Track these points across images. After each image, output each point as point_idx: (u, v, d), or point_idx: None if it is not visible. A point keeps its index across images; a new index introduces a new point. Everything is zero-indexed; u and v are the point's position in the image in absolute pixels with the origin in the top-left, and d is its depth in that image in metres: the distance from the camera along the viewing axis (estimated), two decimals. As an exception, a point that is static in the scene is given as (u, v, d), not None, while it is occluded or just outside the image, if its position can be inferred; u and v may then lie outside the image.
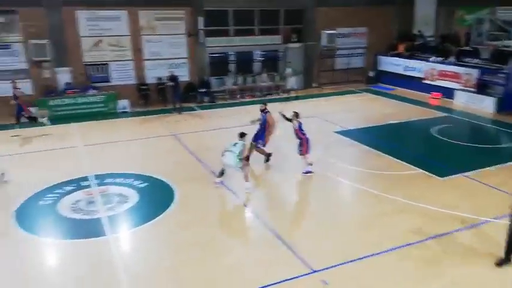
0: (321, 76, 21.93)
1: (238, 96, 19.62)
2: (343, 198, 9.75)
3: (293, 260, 6.96)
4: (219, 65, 20.06)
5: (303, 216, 9.11)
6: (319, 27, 21.00)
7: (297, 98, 19.18)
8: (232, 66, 20.43)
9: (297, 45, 21.18)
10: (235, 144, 9.50)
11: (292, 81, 19.82)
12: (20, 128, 14.29)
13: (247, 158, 10.02)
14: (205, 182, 10.15)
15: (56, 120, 15.30)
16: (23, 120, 14.41)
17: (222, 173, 9.83)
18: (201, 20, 18.42)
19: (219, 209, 9.32)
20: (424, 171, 10.54)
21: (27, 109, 14.46)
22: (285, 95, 19.58)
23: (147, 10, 17.70)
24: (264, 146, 11.07)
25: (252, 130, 10.90)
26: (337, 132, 14.14)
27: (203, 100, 18.73)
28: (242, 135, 9.72)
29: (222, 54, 20.12)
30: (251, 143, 10.73)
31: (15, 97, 14.14)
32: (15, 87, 14.25)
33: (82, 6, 16.51)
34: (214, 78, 19.66)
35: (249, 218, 8.86)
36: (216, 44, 19.44)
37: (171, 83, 16.91)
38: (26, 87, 16.20)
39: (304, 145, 10.38)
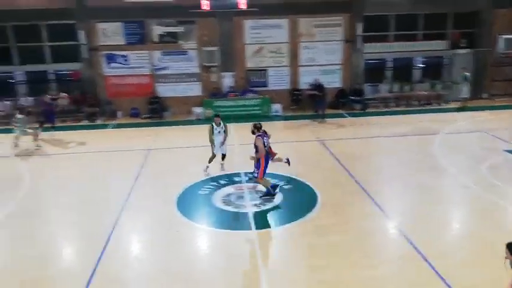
0: (494, 86, 19.44)
1: (392, 104, 18.73)
2: (505, 226, 8.48)
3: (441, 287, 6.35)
4: (374, 72, 19.45)
5: (453, 239, 8.22)
6: (496, 31, 18.65)
7: (465, 109, 17.38)
8: (388, 73, 19.61)
9: (465, 51, 19.21)
10: None
11: (465, 90, 18.02)
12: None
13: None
14: (349, 190, 9.98)
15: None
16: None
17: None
18: (359, 26, 18.16)
19: (362, 220, 9.03)
20: None
21: None
22: (456, 105, 17.91)
23: (307, 18, 18.23)
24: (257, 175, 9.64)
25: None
26: (507, 151, 12.36)
27: (354, 107, 18.41)
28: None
29: (378, 61, 19.47)
30: None
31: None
32: None
33: (250, 16, 17.85)
34: (368, 85, 19.15)
35: (393, 234, 8.39)
36: (373, 50, 18.90)
37: (315, 91, 16.99)
38: (196, 88, 18.39)
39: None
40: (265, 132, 9.70)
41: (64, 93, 17.55)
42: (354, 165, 11.40)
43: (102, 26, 17.47)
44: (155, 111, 17.77)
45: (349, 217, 8.85)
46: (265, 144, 9.51)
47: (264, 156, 9.38)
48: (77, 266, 7.58)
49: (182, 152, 13.38)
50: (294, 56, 18.62)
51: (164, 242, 8.16)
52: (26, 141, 14.02)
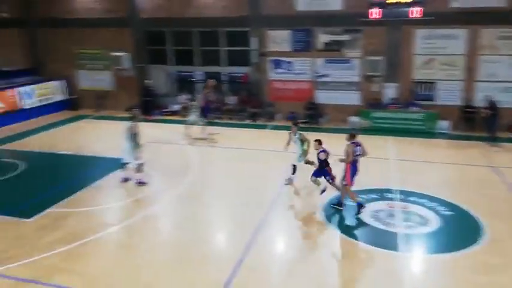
0: None
1: None
2: None
3: None
4: None
5: None
6: None
7: None
8: None
9: None
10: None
11: None
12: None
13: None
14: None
15: (374, 131, 16.35)
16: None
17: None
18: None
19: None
20: None
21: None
22: None
23: (491, 28, 16.22)
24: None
25: None
26: None
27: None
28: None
29: None
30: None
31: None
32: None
33: (422, 25, 16.75)
34: None
35: None
36: None
37: (486, 110, 14.91)
38: (354, 98, 18.07)
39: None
40: (358, 143, 9.52)
41: (212, 80, 18.34)
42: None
43: (272, 33, 18.50)
44: (312, 116, 18.06)
45: (521, 259, 7.55)
46: (356, 153, 9.35)
47: (351, 165, 9.30)
48: (227, 250, 8.26)
49: (333, 159, 13.28)
50: (469, 69, 16.76)
51: (306, 245, 8.26)
52: (196, 133, 15.72)
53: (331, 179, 9.97)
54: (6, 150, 14.40)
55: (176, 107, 19.92)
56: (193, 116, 15.64)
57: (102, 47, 20.55)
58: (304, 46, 18.27)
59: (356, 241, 8.37)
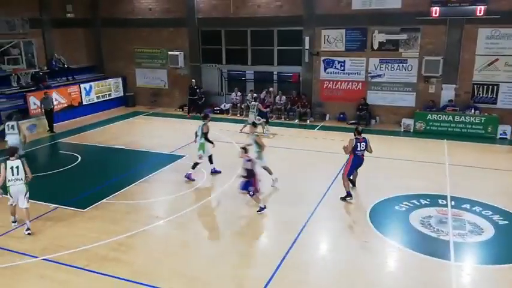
0: None
1: None
2: None
3: None
4: None
5: None
6: None
7: None
8: None
9: None
10: None
11: None
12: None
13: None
14: None
15: (429, 134, 15.68)
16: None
17: None
18: None
19: None
20: None
21: None
22: None
23: None
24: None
25: None
26: None
27: None
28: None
29: None
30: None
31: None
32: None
33: (485, 24, 15.80)
34: None
35: None
36: None
37: None
38: (409, 99, 17.41)
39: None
40: (364, 139, 10.08)
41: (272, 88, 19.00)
42: None
43: (325, 33, 18.25)
44: (363, 118, 17.62)
45: None
46: (358, 148, 9.93)
47: (352, 159, 9.98)
48: (271, 248, 8.28)
49: (384, 162, 12.89)
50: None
51: (350, 248, 8.10)
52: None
53: (253, 191, 9.23)
54: (67, 143, 15.33)
55: (227, 106, 20.24)
56: (251, 116, 16.04)
57: (159, 46, 21.30)
58: (358, 45, 17.88)
59: (403, 247, 8.06)
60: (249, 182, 9.24)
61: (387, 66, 17.59)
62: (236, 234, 8.71)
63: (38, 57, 18.45)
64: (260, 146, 10.80)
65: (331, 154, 13.54)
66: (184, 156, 13.41)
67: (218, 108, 20.29)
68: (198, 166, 11.49)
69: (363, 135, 10.23)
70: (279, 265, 7.38)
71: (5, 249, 8.00)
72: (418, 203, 9.81)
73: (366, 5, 17.25)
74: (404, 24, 16.98)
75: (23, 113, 16.63)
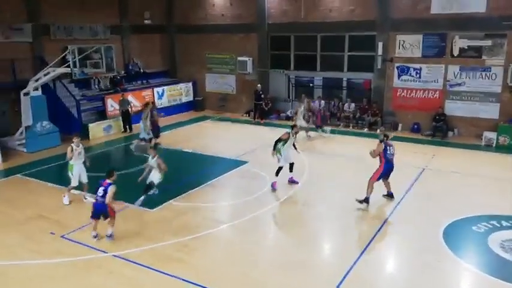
0: None
1: None
2: None
3: None
4: None
5: None
6: None
7: None
8: None
9: None
10: None
11: None
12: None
13: None
14: None
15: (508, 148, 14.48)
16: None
17: None
18: None
19: None
20: None
21: None
22: None
23: None
24: None
25: None
26: None
27: None
28: None
29: None
30: None
31: None
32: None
33: None
34: None
35: None
36: None
37: None
38: (492, 110, 16.06)
39: None
40: (390, 143, 9.97)
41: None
42: None
43: (401, 38, 17.43)
44: (439, 129, 16.55)
45: None
46: (387, 152, 9.80)
47: (384, 164, 9.80)
48: (336, 259, 8.03)
49: (461, 178, 12.00)
50: None
51: (420, 267, 7.59)
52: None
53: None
54: (139, 145, 16.03)
55: (293, 112, 20.08)
56: (300, 122, 15.81)
57: (229, 51, 21.68)
58: (436, 52, 16.86)
59: (479, 271, 7.39)
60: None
61: (468, 74, 16.38)
62: (298, 243, 8.51)
63: (117, 61, 19.56)
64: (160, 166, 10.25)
65: (402, 166, 12.84)
66: (247, 162, 13.42)
67: (284, 114, 20.18)
68: (280, 173, 11.29)
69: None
70: (342, 280, 7.08)
71: (79, 242, 8.47)
72: (498, 225, 8.97)
73: (446, 8, 16.24)
74: (488, 29, 15.73)
75: (102, 115, 17.75)
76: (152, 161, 10.27)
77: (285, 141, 11.17)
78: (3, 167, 13.49)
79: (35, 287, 7.16)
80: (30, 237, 8.77)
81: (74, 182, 10.28)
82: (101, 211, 8.39)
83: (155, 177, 10.25)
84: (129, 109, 18.01)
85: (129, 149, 15.78)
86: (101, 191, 8.30)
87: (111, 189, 8.23)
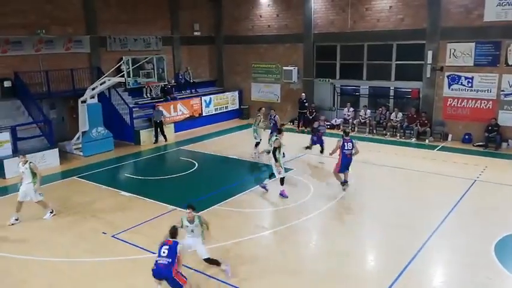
0: None
1: None
2: None
3: None
4: None
5: None
6: None
7: None
8: None
9: None
10: None
11: None
12: None
13: None
14: None
15: None
16: None
17: None
18: None
19: None
20: None
21: None
22: None
23: None
24: None
25: None
26: None
27: None
28: None
29: None
30: None
31: None
32: None
33: None
34: None
35: None
36: None
37: None
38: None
39: None
40: (351, 140, 11.42)
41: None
42: None
43: (451, 46, 16.90)
44: (492, 140, 15.83)
45: None
46: (344, 147, 11.28)
47: (342, 158, 11.32)
48: (379, 272, 7.86)
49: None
50: None
51: (469, 283, 7.23)
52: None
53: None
54: (186, 151, 16.53)
55: (338, 121, 19.92)
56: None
57: (275, 61, 21.93)
58: (489, 60, 16.21)
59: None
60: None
61: (524, 83, 15.62)
62: (340, 253, 8.41)
63: (167, 71, 20.34)
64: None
65: (450, 178, 12.42)
66: (292, 169, 13.48)
67: (329, 123, 20.05)
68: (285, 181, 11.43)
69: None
70: (386, 292, 6.93)
71: (129, 243, 8.87)
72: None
73: (501, 16, 15.60)
74: (548, 36, 14.97)
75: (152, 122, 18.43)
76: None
77: (279, 148, 11.29)
78: (61, 169, 14.36)
79: (87, 284, 7.56)
80: (83, 237, 9.28)
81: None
82: (165, 275, 6.51)
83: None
84: (163, 119, 18.16)
85: (180, 155, 16.25)
86: (164, 250, 6.59)
87: (179, 250, 6.63)
